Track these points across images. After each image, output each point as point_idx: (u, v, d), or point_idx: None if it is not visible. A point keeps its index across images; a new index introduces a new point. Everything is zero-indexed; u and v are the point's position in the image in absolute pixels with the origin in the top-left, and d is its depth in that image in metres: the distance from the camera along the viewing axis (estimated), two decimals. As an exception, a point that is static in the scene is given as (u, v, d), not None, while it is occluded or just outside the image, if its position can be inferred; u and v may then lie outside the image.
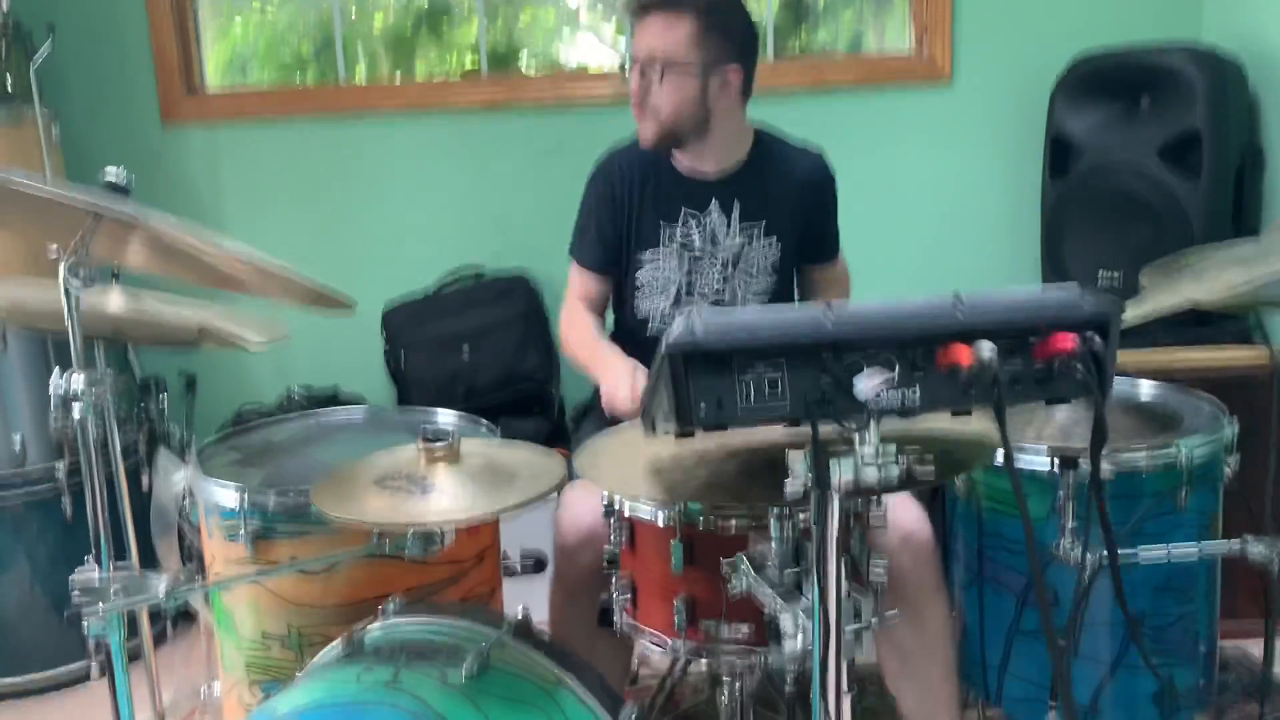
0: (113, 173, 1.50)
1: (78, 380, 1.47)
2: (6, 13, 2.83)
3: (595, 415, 2.30)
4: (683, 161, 2.25)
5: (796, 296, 2.43)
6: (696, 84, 2.13)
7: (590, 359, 2.20)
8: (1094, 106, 3.00)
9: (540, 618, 1.66)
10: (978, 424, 1.44)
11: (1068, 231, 3.06)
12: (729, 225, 2.25)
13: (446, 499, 1.55)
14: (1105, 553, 1.74)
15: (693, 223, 2.25)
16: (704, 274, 2.27)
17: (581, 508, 1.90)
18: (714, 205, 2.25)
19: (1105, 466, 1.87)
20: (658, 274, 2.28)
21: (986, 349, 1.08)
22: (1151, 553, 1.83)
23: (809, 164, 2.32)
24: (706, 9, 2.12)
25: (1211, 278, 1.61)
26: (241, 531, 1.82)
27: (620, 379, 2.01)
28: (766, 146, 2.29)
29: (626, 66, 2.18)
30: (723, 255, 2.26)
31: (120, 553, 1.58)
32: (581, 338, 2.28)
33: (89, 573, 1.50)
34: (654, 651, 1.69)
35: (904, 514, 1.86)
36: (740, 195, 2.25)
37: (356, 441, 2.15)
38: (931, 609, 1.92)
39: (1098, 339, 1.10)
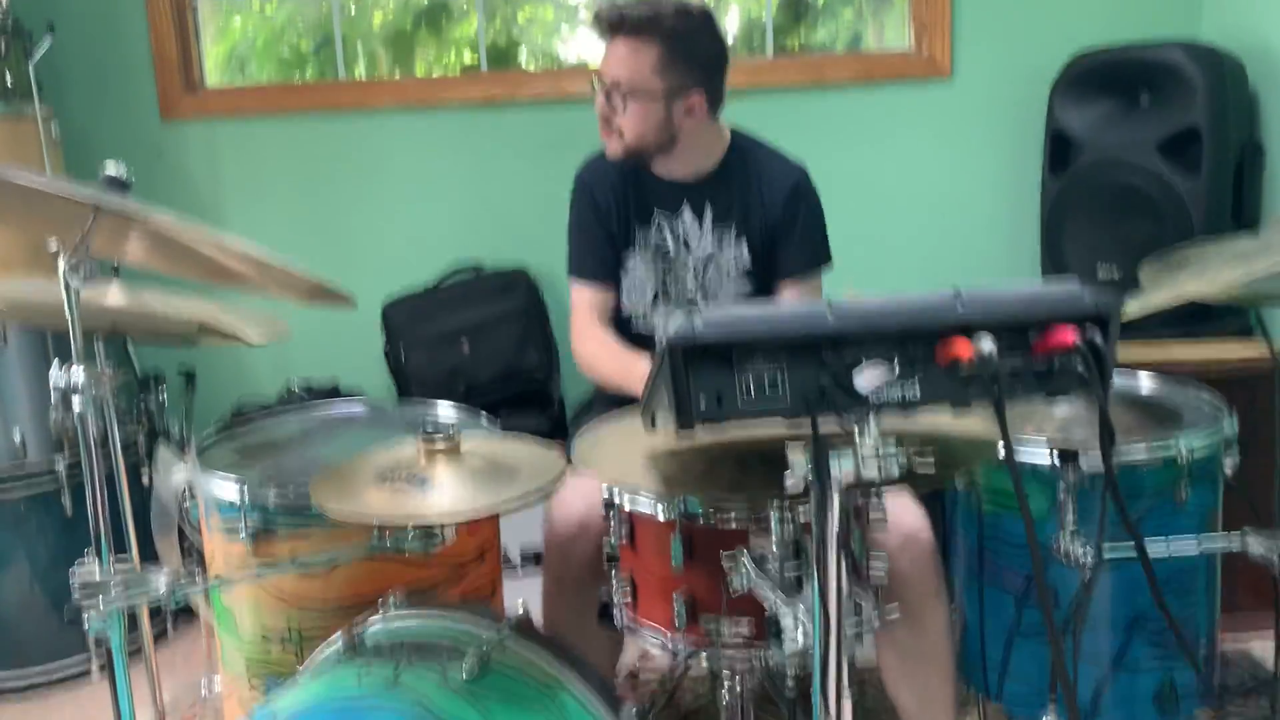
0: (113, 168, 1.50)
1: (77, 375, 1.46)
2: (6, 10, 2.83)
3: (595, 413, 2.30)
4: (656, 166, 2.25)
5: None
6: (660, 110, 2.14)
7: (630, 384, 2.11)
8: (1094, 102, 3.00)
9: (540, 617, 1.66)
10: (978, 423, 1.44)
11: (1067, 227, 3.05)
12: (701, 228, 2.25)
13: (447, 495, 1.55)
14: (1103, 553, 1.75)
15: (665, 226, 2.26)
16: (678, 277, 2.27)
17: (573, 499, 1.89)
18: (685, 208, 2.25)
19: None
20: (634, 277, 2.29)
21: (986, 344, 1.08)
22: (1151, 548, 1.82)
23: (785, 174, 2.26)
24: (671, 35, 2.10)
25: (1211, 273, 1.61)
26: (242, 528, 1.82)
27: None
28: (742, 151, 2.28)
29: (594, 82, 2.17)
30: (695, 259, 2.26)
31: (120, 549, 1.57)
32: (609, 365, 2.22)
33: (89, 569, 1.50)
34: (654, 649, 1.69)
35: (904, 515, 1.85)
36: (712, 198, 2.24)
37: (356, 437, 2.15)
38: (932, 612, 1.91)
39: (1098, 334, 1.10)
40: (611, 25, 2.13)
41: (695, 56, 2.14)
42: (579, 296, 2.32)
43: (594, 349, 2.27)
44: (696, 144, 2.22)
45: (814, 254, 2.30)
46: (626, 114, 2.14)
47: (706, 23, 2.17)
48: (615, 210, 2.28)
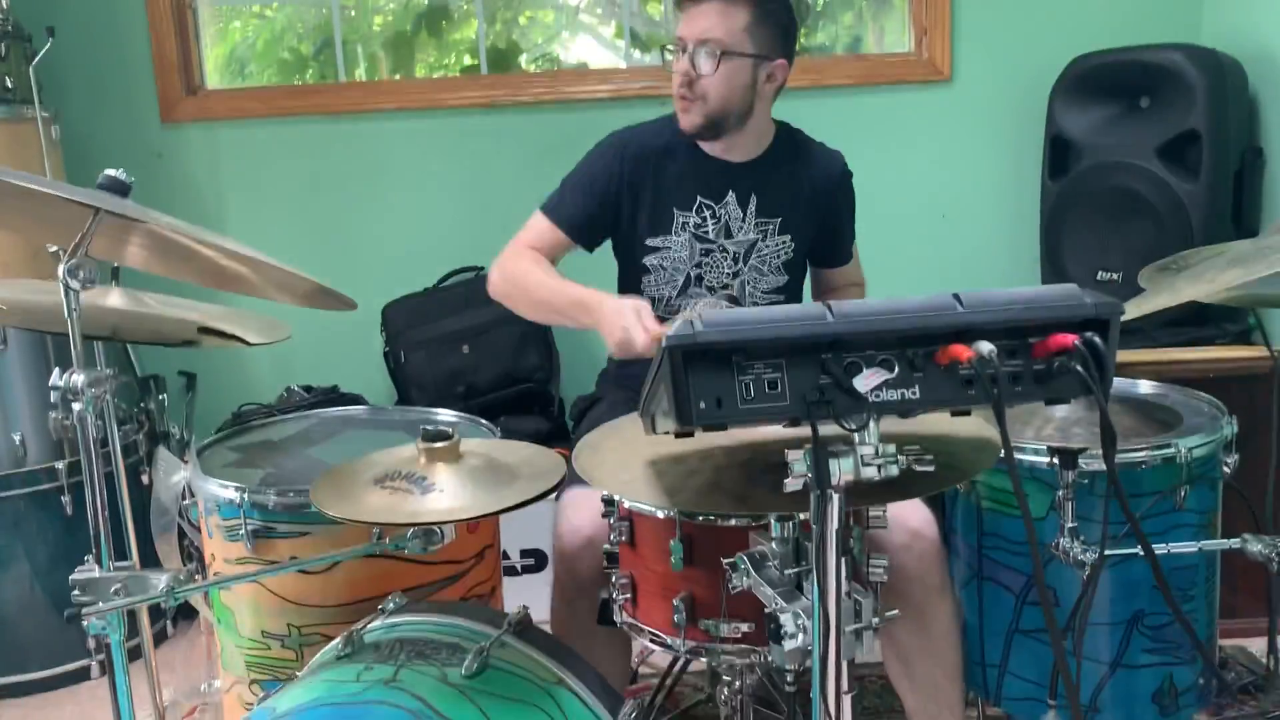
0: (112, 172, 1.50)
1: (78, 379, 1.46)
2: (6, 12, 2.83)
3: (596, 412, 2.29)
4: (711, 146, 2.22)
5: (812, 298, 2.45)
6: (748, 73, 2.13)
7: (567, 301, 2.06)
8: (1093, 106, 3.00)
9: (540, 617, 1.66)
10: (978, 427, 1.44)
11: (1067, 231, 3.06)
12: (744, 218, 2.24)
13: (446, 498, 1.55)
14: (1105, 551, 1.75)
15: (707, 212, 2.22)
16: (714, 265, 2.24)
17: (581, 513, 1.88)
18: (731, 196, 2.23)
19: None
20: (667, 261, 2.24)
21: (986, 348, 1.08)
22: (1151, 551, 1.83)
23: (829, 161, 2.33)
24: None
25: (1211, 277, 1.61)
26: (241, 530, 1.82)
27: (625, 318, 1.89)
28: (789, 140, 2.29)
29: (668, 54, 2.15)
30: (734, 248, 2.25)
31: (120, 551, 1.57)
32: (544, 278, 2.14)
33: (89, 571, 1.50)
34: (653, 648, 1.70)
35: (910, 514, 1.85)
36: (758, 189, 2.23)
37: (356, 440, 2.15)
38: (937, 611, 1.91)
39: (1098, 338, 1.10)
40: None
41: (779, 21, 2.15)
42: (534, 227, 2.24)
43: (526, 266, 2.17)
44: (758, 124, 2.21)
45: (852, 232, 2.45)
46: (715, 75, 2.09)
47: None
48: (650, 191, 2.22)
